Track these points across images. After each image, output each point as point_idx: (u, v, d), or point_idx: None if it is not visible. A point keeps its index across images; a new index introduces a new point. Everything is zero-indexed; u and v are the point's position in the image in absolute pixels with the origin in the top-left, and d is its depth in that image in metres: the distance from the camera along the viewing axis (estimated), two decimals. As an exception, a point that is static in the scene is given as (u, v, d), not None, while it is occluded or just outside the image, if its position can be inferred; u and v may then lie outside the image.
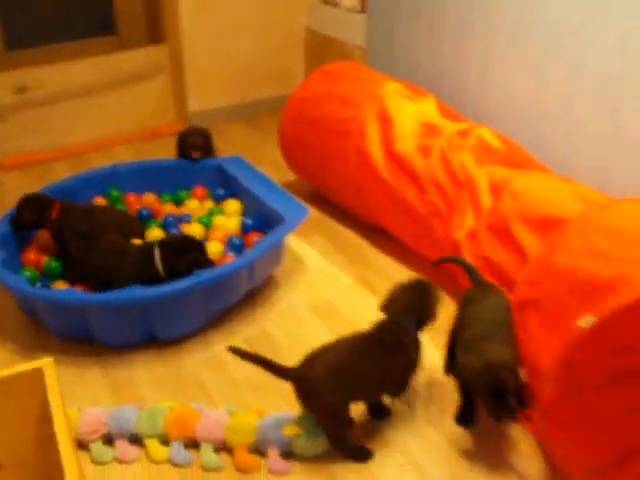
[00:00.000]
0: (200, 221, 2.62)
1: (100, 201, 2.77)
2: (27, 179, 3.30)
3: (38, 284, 2.31)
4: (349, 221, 2.87)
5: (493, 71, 2.81)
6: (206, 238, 2.53)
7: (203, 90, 3.89)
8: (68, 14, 3.71)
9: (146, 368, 2.09)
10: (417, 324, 1.81)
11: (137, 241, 2.46)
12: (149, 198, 2.83)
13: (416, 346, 1.81)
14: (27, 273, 2.31)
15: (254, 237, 2.52)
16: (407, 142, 2.48)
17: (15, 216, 2.42)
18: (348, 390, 1.70)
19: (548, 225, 1.88)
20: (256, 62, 3.98)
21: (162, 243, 2.25)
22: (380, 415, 1.88)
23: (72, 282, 2.30)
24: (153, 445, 1.78)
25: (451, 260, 2.13)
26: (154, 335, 2.16)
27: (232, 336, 2.22)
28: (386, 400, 1.90)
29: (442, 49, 3.05)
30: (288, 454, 1.76)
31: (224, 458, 1.77)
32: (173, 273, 2.17)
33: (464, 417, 1.84)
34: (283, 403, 1.89)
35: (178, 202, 2.84)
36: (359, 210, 2.78)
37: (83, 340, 2.17)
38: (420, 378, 2.01)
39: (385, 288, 1.91)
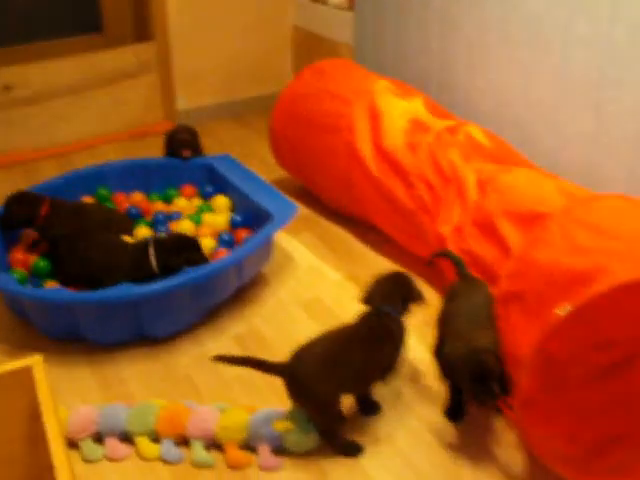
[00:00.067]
0: (190, 219, 2.62)
1: (88, 200, 2.76)
2: (13, 179, 3.28)
3: (28, 285, 2.29)
4: (338, 218, 2.88)
5: (481, 68, 2.82)
6: (197, 235, 2.53)
7: (191, 88, 3.88)
8: (54, 12, 3.69)
9: (136, 366, 2.09)
10: (401, 309, 1.85)
11: (127, 238, 2.45)
12: (137, 197, 2.82)
13: (401, 331, 1.84)
14: (16, 273, 2.29)
15: (243, 233, 2.52)
16: (396, 138, 2.49)
17: (4, 214, 2.40)
18: (338, 382, 1.70)
19: (532, 220, 1.90)
20: (244, 60, 3.97)
21: (157, 241, 2.24)
22: (370, 410, 1.88)
23: (63, 281, 2.28)
24: (143, 443, 1.78)
25: (441, 253, 2.14)
26: (144, 333, 2.15)
27: (222, 333, 2.22)
28: (375, 395, 1.91)
29: (430, 47, 3.06)
30: (279, 450, 1.76)
31: (215, 455, 1.77)
32: (167, 271, 2.17)
33: (453, 412, 1.85)
34: (274, 399, 1.89)
35: (167, 200, 2.84)
36: (348, 205, 2.79)
37: (73, 339, 2.16)
38: (408, 372, 2.02)
39: (374, 285, 1.93)
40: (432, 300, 2.13)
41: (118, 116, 3.76)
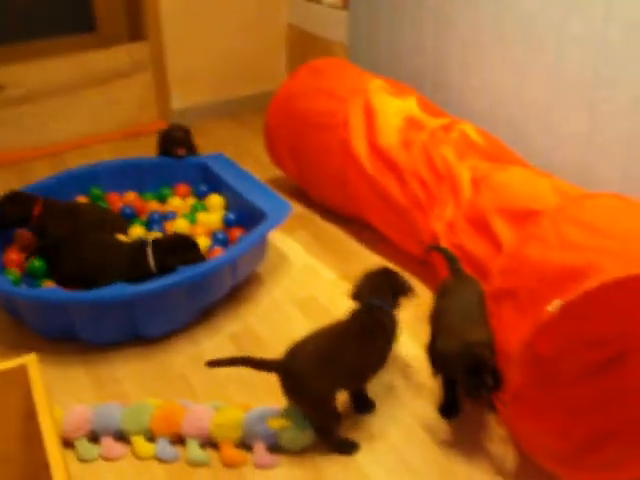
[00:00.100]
0: (185, 218, 2.62)
1: (82, 200, 2.76)
2: (6, 178, 3.27)
3: (23, 285, 2.28)
4: (333, 217, 2.88)
5: (475, 67, 2.83)
6: (192, 234, 2.52)
7: (185, 88, 3.88)
8: (47, 11, 3.68)
9: (130, 365, 2.09)
10: (392, 302, 1.87)
11: (122, 238, 2.45)
12: (131, 196, 2.82)
13: (393, 324, 1.86)
14: (10, 273, 2.28)
15: (237, 232, 2.52)
16: (391, 136, 2.50)
17: (-3, 215, 2.40)
18: (333, 378, 1.71)
19: (525, 217, 1.91)
20: (238, 59, 3.97)
21: (155, 241, 2.25)
22: (364, 408, 1.89)
23: (59, 281, 2.27)
24: (139, 442, 1.78)
25: (435, 248, 2.14)
26: (138, 332, 2.15)
27: (217, 332, 2.22)
28: (369, 393, 1.92)
29: (424, 46, 3.07)
30: (274, 448, 1.76)
31: (210, 453, 1.77)
32: (165, 270, 2.16)
33: (447, 409, 1.86)
34: (268, 397, 1.89)
35: (161, 200, 2.84)
36: (342, 203, 2.79)
37: (67, 339, 2.15)
38: (401, 369, 2.03)
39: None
40: (425, 298, 2.14)
41: (112, 115, 3.75)
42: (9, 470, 1.45)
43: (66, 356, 2.12)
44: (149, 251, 2.20)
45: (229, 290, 2.32)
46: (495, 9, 2.65)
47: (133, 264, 2.20)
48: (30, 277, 2.34)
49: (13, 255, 2.41)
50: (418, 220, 2.34)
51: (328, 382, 1.70)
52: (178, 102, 3.88)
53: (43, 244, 2.38)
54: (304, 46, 3.91)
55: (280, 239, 2.71)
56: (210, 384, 2.00)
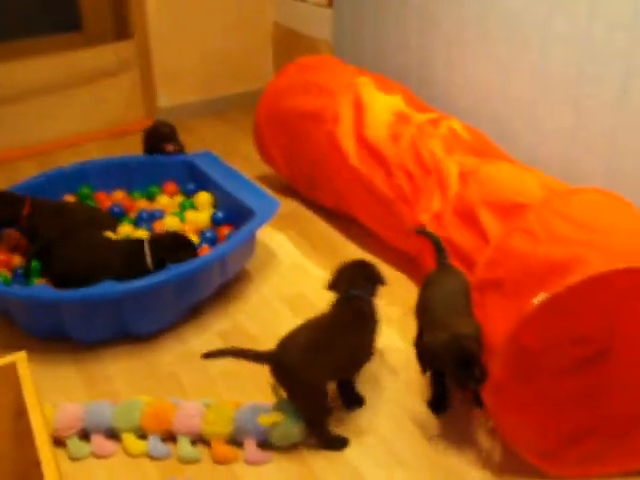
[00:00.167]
0: (174, 216, 2.62)
1: (70, 199, 2.75)
2: (-6, 178, 3.27)
3: (13, 284, 2.27)
4: (322, 214, 2.89)
5: (459, 65, 2.85)
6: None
7: (172, 86, 3.88)
8: (33, 10, 3.66)
9: (120, 364, 2.09)
10: (370, 291, 1.91)
11: (111, 236, 2.45)
12: (119, 195, 2.82)
13: (373, 311, 1.90)
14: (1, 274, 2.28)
15: (225, 230, 2.53)
16: (380, 130, 2.52)
17: (-15, 215, 2.39)
18: (325, 367, 1.73)
19: (512, 210, 1.93)
20: (225, 57, 3.98)
21: (152, 239, 2.25)
22: (354, 403, 1.90)
23: (53, 282, 2.24)
24: (130, 439, 1.79)
25: (423, 232, 2.14)
26: (128, 331, 2.16)
27: (206, 330, 2.23)
28: (358, 387, 1.93)
29: (409, 43, 3.09)
30: (265, 444, 1.78)
31: (201, 450, 1.78)
32: (161, 269, 2.16)
33: (437, 404, 1.88)
34: (259, 394, 1.91)
35: (149, 198, 2.84)
36: (331, 199, 2.80)
37: (57, 338, 2.15)
38: (390, 364, 2.05)
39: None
40: (413, 293, 2.14)
41: (99, 114, 3.75)
42: (0, 467, 1.45)
43: (56, 355, 2.12)
44: (147, 249, 2.21)
45: (218, 288, 2.33)
46: (479, 7, 2.67)
47: (130, 262, 2.20)
48: (23, 277, 2.32)
49: (1, 255, 2.41)
50: (403, 212, 2.36)
51: (320, 372, 1.73)
52: (165, 100, 3.87)
53: (37, 246, 2.34)
54: (290, 44, 3.92)
55: (269, 236, 2.72)
56: (200, 381, 2.01)
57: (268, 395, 1.83)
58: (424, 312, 1.87)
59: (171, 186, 2.87)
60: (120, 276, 2.11)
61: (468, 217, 2.07)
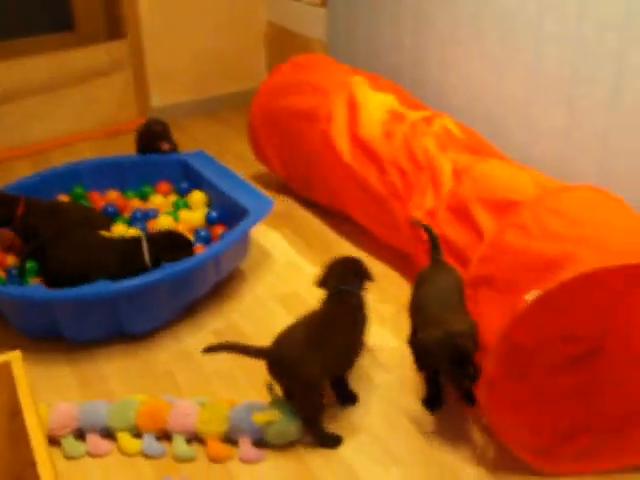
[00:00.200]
0: (169, 215, 2.62)
1: (64, 199, 2.75)
2: (-13, 178, 3.25)
3: (8, 284, 2.27)
4: (316, 212, 2.90)
5: (453, 64, 2.86)
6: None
7: (165, 86, 3.87)
8: (25, 10, 3.65)
9: (115, 363, 2.09)
10: (358, 285, 1.94)
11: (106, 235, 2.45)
12: (113, 194, 2.82)
13: (362, 305, 1.93)
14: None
15: (219, 229, 2.53)
16: (373, 128, 2.53)
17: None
18: (321, 362, 1.74)
19: (506, 208, 1.94)
20: (218, 57, 3.97)
21: (150, 236, 2.25)
22: (347, 400, 1.92)
23: (50, 283, 2.22)
24: (125, 438, 1.79)
25: (425, 227, 2.11)
26: (123, 330, 2.15)
27: (201, 329, 2.23)
28: (352, 386, 1.94)
29: (402, 43, 3.09)
30: (260, 442, 1.78)
31: (196, 448, 1.78)
32: (159, 267, 2.17)
33: (431, 401, 1.89)
34: (253, 393, 1.91)
35: (143, 198, 2.84)
36: (325, 197, 2.81)
37: (51, 338, 2.15)
38: (384, 362, 2.05)
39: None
40: (406, 291, 2.15)
41: (92, 114, 3.74)
42: (-4, 468, 1.45)
43: (51, 355, 2.12)
44: (145, 246, 2.20)
45: (212, 287, 2.33)
46: (473, 7, 2.68)
47: (127, 260, 2.20)
48: (17, 277, 2.31)
49: (-4, 256, 2.41)
50: (396, 209, 2.37)
51: (317, 368, 1.73)
52: (157, 100, 3.87)
53: (32, 246, 2.31)
54: (283, 43, 3.92)
55: (263, 235, 2.72)
56: (195, 380, 2.01)
57: (263, 394, 1.84)
58: (418, 310, 1.88)
59: (165, 185, 2.86)
60: (117, 274, 2.11)
61: (462, 214, 2.08)
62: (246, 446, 1.76)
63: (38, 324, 2.13)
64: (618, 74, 2.19)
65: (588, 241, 1.65)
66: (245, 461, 1.74)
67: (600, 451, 1.71)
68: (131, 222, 2.62)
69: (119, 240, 2.33)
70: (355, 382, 1.95)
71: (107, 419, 1.80)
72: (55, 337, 2.14)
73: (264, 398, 1.82)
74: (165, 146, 2.91)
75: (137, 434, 1.81)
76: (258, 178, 3.14)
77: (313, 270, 2.53)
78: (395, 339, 2.14)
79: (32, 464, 1.20)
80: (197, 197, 2.72)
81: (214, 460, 1.75)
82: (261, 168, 3.18)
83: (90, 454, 1.77)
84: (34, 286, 2.21)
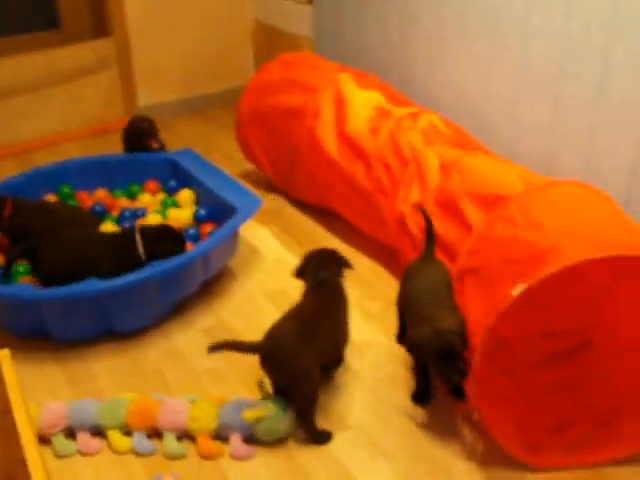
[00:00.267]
0: (157, 213, 2.62)
1: (51, 198, 2.74)
2: (-27, 178, 3.23)
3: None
4: (304, 209, 2.90)
5: (440, 62, 2.87)
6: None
7: (152, 84, 3.86)
8: (10, 8, 3.63)
9: (105, 361, 2.09)
10: (337, 273, 1.97)
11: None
12: (100, 193, 2.81)
13: (343, 290, 1.96)
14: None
15: (208, 228, 2.53)
16: (360, 124, 2.54)
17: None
18: (312, 351, 1.75)
19: (494, 202, 1.95)
20: (205, 55, 3.97)
21: (143, 229, 2.24)
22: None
23: (43, 282, 2.21)
24: (115, 436, 1.79)
25: (425, 216, 2.06)
26: (112, 328, 2.15)
27: (190, 327, 2.23)
28: (341, 381, 1.94)
29: (389, 40, 3.10)
30: (250, 439, 1.78)
31: (187, 445, 1.78)
32: (153, 260, 2.16)
33: (420, 396, 1.89)
34: (243, 390, 1.91)
35: (131, 196, 2.83)
36: (313, 194, 2.81)
37: (40, 337, 2.14)
38: (373, 358, 2.06)
39: (341, 275, 1.98)
40: (394, 287, 2.16)
41: (78, 113, 3.72)
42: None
43: (40, 354, 2.11)
44: (138, 239, 2.20)
45: (201, 285, 2.33)
46: (459, 4, 2.69)
47: (122, 254, 2.19)
48: (5, 277, 2.30)
49: (-17, 255, 2.39)
50: (382, 204, 2.38)
51: (310, 357, 1.75)
52: (144, 99, 3.85)
53: (23, 247, 2.28)
54: (270, 41, 3.92)
55: (252, 233, 2.72)
56: (185, 378, 2.01)
57: (253, 391, 1.84)
58: (406, 304, 1.89)
59: (153, 184, 2.86)
60: (113, 270, 2.11)
61: (450, 208, 2.09)
62: (236, 443, 1.77)
63: (26, 323, 2.12)
64: (604, 71, 2.21)
65: (573, 234, 1.66)
66: (236, 458, 1.75)
67: (588, 444, 1.73)
68: (119, 221, 2.61)
69: (112, 235, 2.32)
70: (344, 378, 1.96)
71: (97, 417, 1.80)
72: (44, 336, 2.13)
73: (254, 395, 1.83)
74: (155, 145, 2.91)
75: (127, 432, 1.81)
76: (246, 176, 3.14)
77: (302, 267, 2.54)
78: (383, 335, 2.15)
79: (22, 462, 1.20)
80: (185, 195, 2.72)
81: (205, 457, 1.75)
82: (249, 166, 3.18)
83: (81, 452, 1.77)
84: (22, 285, 2.20)
